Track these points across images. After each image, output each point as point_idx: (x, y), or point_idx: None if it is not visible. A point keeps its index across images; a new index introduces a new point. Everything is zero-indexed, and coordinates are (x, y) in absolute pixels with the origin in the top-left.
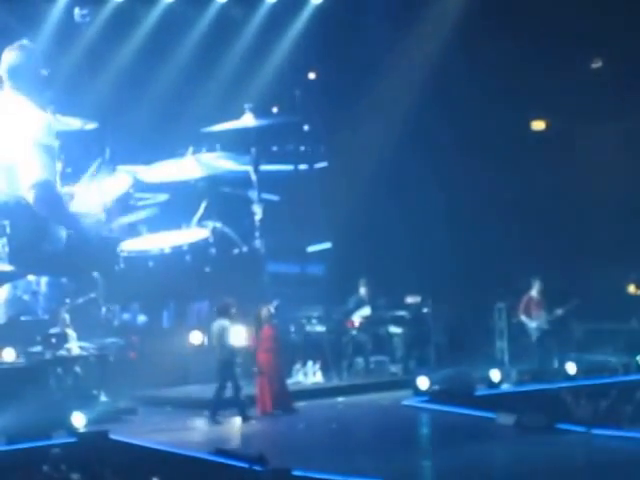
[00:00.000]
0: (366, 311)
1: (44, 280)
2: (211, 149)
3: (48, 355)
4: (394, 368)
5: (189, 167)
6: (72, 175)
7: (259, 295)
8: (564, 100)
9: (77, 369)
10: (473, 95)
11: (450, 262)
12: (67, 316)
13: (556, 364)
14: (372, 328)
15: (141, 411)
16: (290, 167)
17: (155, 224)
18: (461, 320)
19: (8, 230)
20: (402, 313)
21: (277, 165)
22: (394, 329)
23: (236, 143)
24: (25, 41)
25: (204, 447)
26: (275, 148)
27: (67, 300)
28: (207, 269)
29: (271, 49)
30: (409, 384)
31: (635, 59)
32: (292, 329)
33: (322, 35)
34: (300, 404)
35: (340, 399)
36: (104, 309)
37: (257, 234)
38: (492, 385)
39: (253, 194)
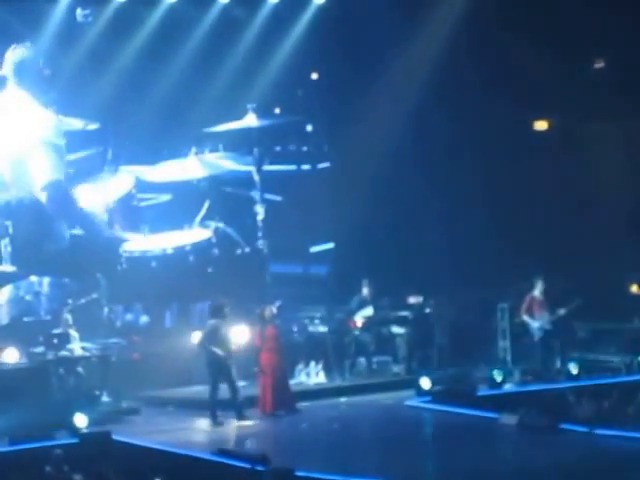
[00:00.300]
0: (368, 311)
1: (46, 281)
2: (214, 149)
3: (50, 356)
4: (397, 368)
5: (192, 167)
6: (75, 175)
7: (261, 295)
8: (566, 100)
9: (79, 369)
10: (476, 95)
11: (452, 262)
12: (70, 317)
13: (559, 364)
14: (375, 328)
15: (143, 411)
16: (293, 167)
17: (158, 224)
18: (464, 320)
19: (10, 230)
20: (405, 313)
21: (280, 165)
22: (397, 329)
23: (239, 143)
24: (29, 44)
25: (207, 447)
26: (278, 148)
27: (69, 301)
28: (210, 269)
29: (273, 49)
30: (412, 384)
31: (637, 59)
32: (295, 329)
33: (324, 35)
34: (303, 404)
35: (343, 399)
36: (106, 309)
37: (260, 234)
38: (495, 385)
39: (256, 194)
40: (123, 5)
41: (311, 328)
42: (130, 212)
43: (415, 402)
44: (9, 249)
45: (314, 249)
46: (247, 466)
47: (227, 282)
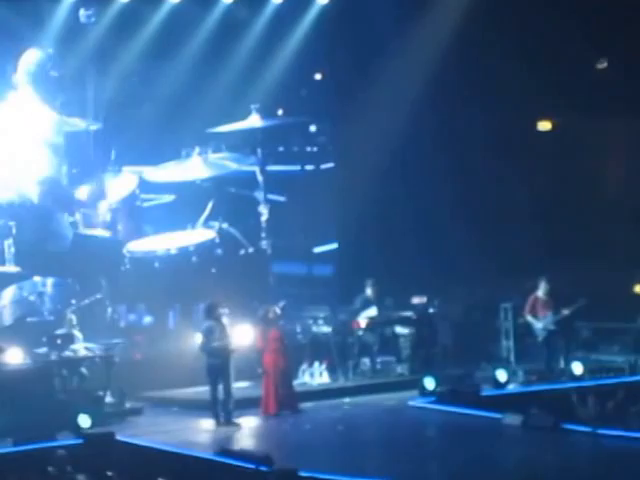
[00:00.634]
0: (372, 311)
1: (50, 281)
2: (217, 150)
3: (54, 356)
4: (400, 368)
5: (195, 168)
6: (78, 176)
7: (265, 296)
8: (570, 100)
9: (83, 370)
10: (480, 95)
11: (456, 262)
12: (73, 317)
13: (562, 364)
14: (378, 328)
15: (147, 412)
16: (296, 167)
17: (161, 225)
18: (467, 320)
19: (14, 231)
20: (408, 313)
21: (283, 166)
22: (400, 329)
23: (242, 144)
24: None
25: (210, 448)
26: (281, 149)
27: (73, 301)
28: (213, 270)
29: (277, 50)
30: (415, 385)
31: None
32: (298, 329)
33: (328, 36)
34: (306, 405)
35: (346, 400)
36: (110, 310)
37: (263, 235)
38: (498, 385)
39: (259, 195)
40: (126, 5)
41: (315, 328)
42: (133, 212)
43: (419, 402)
44: (12, 249)
45: (318, 249)
46: (251, 466)
47: (230, 282)
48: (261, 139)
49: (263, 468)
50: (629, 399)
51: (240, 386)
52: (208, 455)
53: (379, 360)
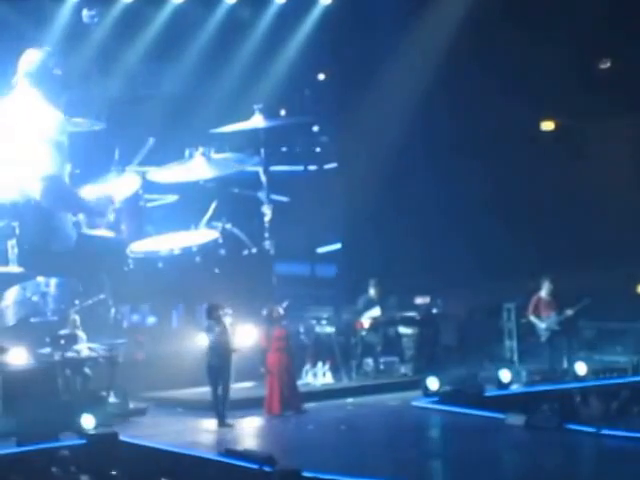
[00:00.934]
0: (375, 312)
1: (53, 281)
2: (221, 150)
3: (57, 356)
4: (404, 369)
5: (198, 168)
6: (81, 176)
7: (268, 296)
8: (573, 100)
9: (86, 370)
10: (483, 95)
11: (460, 262)
12: (77, 317)
13: (565, 364)
14: (382, 329)
15: (150, 412)
16: (300, 168)
17: (164, 225)
18: (471, 321)
19: (17, 231)
20: (412, 314)
21: (287, 166)
22: (404, 330)
23: (246, 144)
24: (41, 48)
25: (214, 448)
26: (285, 149)
27: (76, 301)
28: (216, 270)
29: (280, 50)
30: (419, 385)
31: None
32: (301, 330)
33: (331, 36)
34: (310, 405)
35: (350, 400)
36: (113, 310)
37: (266, 235)
38: (502, 386)
39: (263, 195)
40: (129, 6)
41: (318, 329)
42: (137, 213)
43: (422, 403)
44: (16, 250)
45: (321, 250)
46: (254, 466)
47: (234, 283)
48: (264, 139)
49: (266, 468)
50: (632, 399)
51: (243, 386)
52: (211, 455)
53: (382, 360)
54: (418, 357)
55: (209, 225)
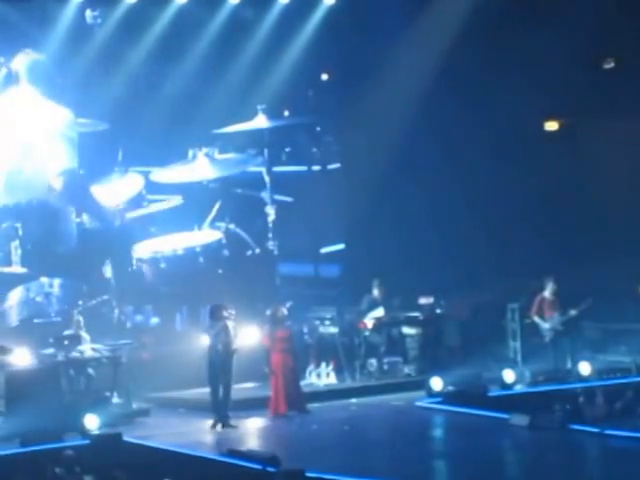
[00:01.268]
0: (379, 312)
1: (57, 282)
2: (224, 150)
3: (61, 357)
4: (407, 369)
5: (202, 168)
6: (85, 176)
7: (272, 296)
8: (577, 100)
9: (90, 371)
10: (487, 95)
11: (463, 263)
12: (80, 318)
13: (569, 365)
14: (385, 329)
15: (154, 413)
16: (303, 168)
17: (168, 226)
18: (474, 321)
19: (20, 232)
20: (415, 314)
21: (290, 166)
22: (407, 330)
23: (249, 144)
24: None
25: (217, 448)
26: (288, 149)
27: (80, 302)
28: (220, 270)
29: (283, 50)
30: (422, 385)
31: None
32: (305, 330)
33: (335, 36)
34: (313, 405)
35: (353, 400)
36: (117, 311)
37: (270, 235)
38: (506, 386)
39: (266, 195)
40: (132, 6)
41: (321, 329)
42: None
43: (426, 403)
44: (19, 251)
45: (324, 250)
46: (257, 467)
47: (237, 283)
48: (268, 140)
49: (270, 468)
50: (636, 399)
51: (245, 387)
52: (215, 456)
53: (386, 361)
54: (422, 357)
55: (212, 225)
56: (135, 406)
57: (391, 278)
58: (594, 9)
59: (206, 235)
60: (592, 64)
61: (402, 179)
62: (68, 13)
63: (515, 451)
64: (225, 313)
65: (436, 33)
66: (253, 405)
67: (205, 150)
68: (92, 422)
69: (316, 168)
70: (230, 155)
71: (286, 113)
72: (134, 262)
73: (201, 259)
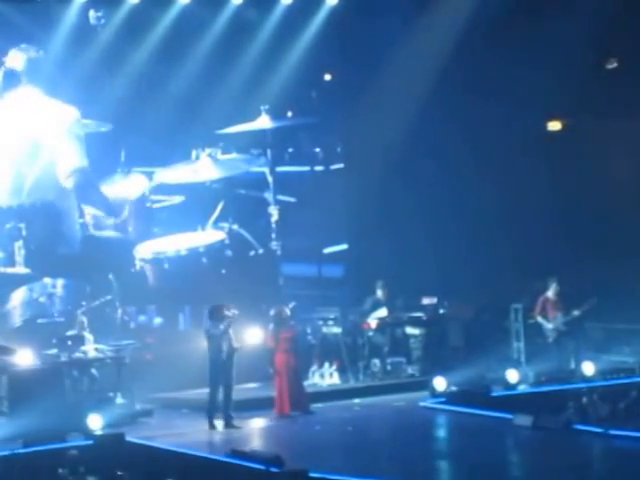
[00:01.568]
0: (382, 312)
1: (60, 282)
2: (227, 151)
3: (64, 357)
4: (411, 369)
5: (205, 169)
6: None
7: (275, 297)
8: (580, 100)
9: (93, 371)
10: (489, 95)
11: (467, 263)
12: (84, 318)
13: (573, 365)
14: (389, 329)
15: (157, 413)
16: (306, 168)
17: (171, 226)
18: (478, 321)
19: (24, 233)
20: (419, 314)
21: (293, 166)
22: (411, 330)
23: (252, 145)
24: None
25: (220, 449)
26: (291, 149)
27: (83, 302)
28: (223, 271)
29: (286, 51)
30: (426, 385)
31: None
32: (308, 331)
33: (338, 36)
34: (317, 406)
35: (357, 401)
36: (120, 311)
37: (273, 236)
38: (509, 386)
39: (269, 196)
40: (136, 7)
41: (325, 329)
42: (143, 214)
43: (429, 403)
44: (22, 251)
45: (328, 250)
46: (261, 467)
47: (240, 284)
48: (271, 140)
49: (273, 469)
50: None
51: (247, 387)
52: (218, 456)
53: (389, 361)
54: (425, 358)
55: (216, 226)
56: (138, 406)
57: (394, 278)
58: (597, 9)
59: (209, 235)
60: (595, 64)
61: (405, 179)
62: (71, 14)
63: (518, 451)
64: (226, 312)
65: (439, 33)
66: (256, 405)
67: (208, 150)
68: (95, 422)
69: (319, 168)
70: (233, 155)
71: (289, 114)
72: (137, 262)
73: (204, 259)
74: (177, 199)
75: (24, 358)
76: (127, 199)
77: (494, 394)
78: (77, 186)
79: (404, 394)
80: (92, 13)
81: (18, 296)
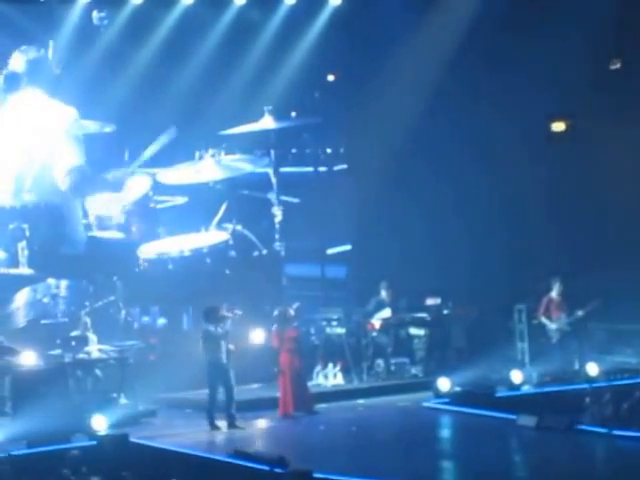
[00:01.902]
0: (386, 313)
1: (64, 283)
2: (230, 151)
3: (68, 358)
4: (414, 370)
5: (208, 170)
6: (91, 171)
7: (278, 297)
8: (583, 101)
9: (97, 372)
10: (493, 95)
11: (470, 263)
12: (87, 319)
13: (577, 365)
14: (392, 330)
15: (161, 414)
16: (310, 169)
17: (175, 227)
18: (481, 322)
19: (27, 233)
20: (422, 315)
21: (297, 167)
22: (414, 331)
23: (256, 145)
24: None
25: (224, 449)
26: (294, 150)
27: (87, 303)
28: (227, 271)
29: (290, 51)
30: (430, 386)
31: None
32: (312, 331)
33: (341, 37)
34: (321, 406)
35: (360, 401)
36: (124, 312)
37: (277, 236)
38: (513, 386)
39: (273, 196)
40: (139, 7)
41: (328, 330)
42: (147, 214)
43: (433, 404)
44: (26, 252)
45: (331, 251)
46: (265, 468)
47: (244, 284)
48: (274, 141)
49: (277, 470)
50: None
51: (250, 388)
52: (222, 457)
53: (393, 361)
54: (429, 358)
55: (219, 227)
56: (142, 407)
57: (398, 279)
58: (601, 10)
59: (213, 236)
60: (599, 65)
61: (408, 180)
62: (74, 14)
63: (522, 452)
64: (223, 313)
65: (441, 34)
66: (260, 406)
67: (212, 151)
68: (99, 423)
69: (323, 169)
70: (237, 156)
71: (293, 114)
72: (141, 263)
73: (208, 260)
74: (181, 200)
75: (28, 359)
76: (128, 173)
77: (498, 395)
78: (74, 183)
79: (408, 395)
80: (95, 14)
81: (22, 297)
